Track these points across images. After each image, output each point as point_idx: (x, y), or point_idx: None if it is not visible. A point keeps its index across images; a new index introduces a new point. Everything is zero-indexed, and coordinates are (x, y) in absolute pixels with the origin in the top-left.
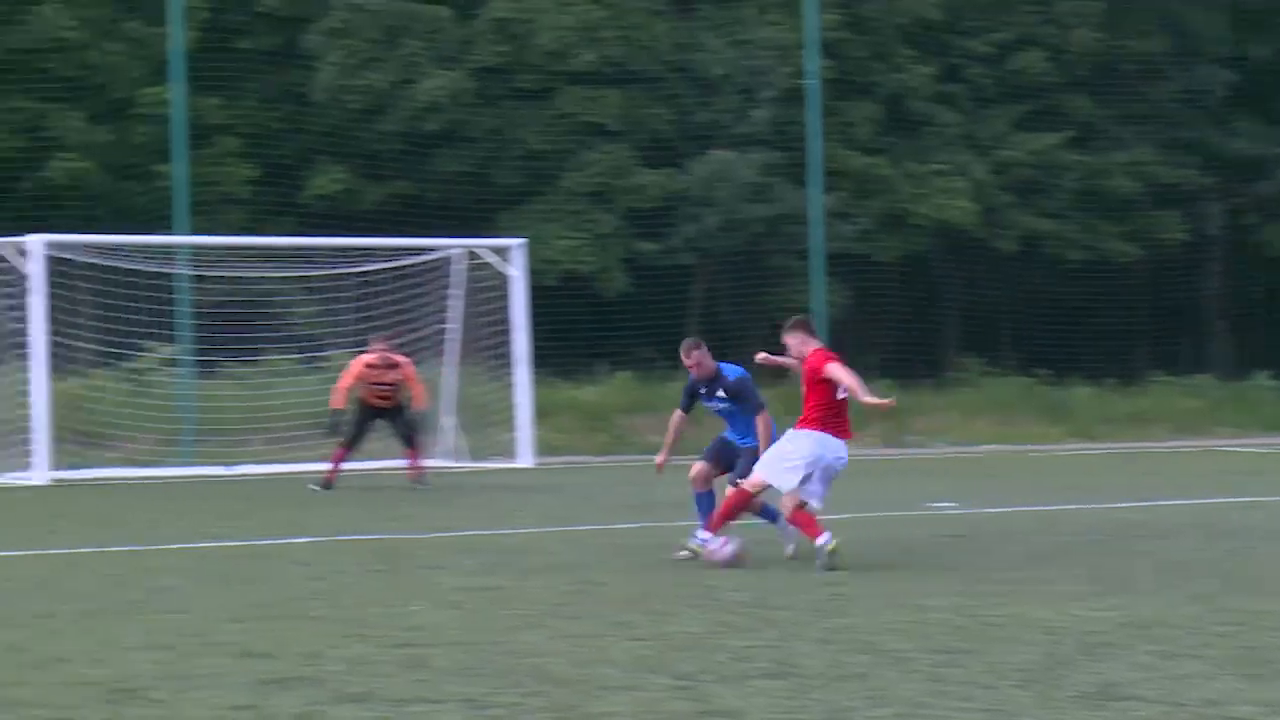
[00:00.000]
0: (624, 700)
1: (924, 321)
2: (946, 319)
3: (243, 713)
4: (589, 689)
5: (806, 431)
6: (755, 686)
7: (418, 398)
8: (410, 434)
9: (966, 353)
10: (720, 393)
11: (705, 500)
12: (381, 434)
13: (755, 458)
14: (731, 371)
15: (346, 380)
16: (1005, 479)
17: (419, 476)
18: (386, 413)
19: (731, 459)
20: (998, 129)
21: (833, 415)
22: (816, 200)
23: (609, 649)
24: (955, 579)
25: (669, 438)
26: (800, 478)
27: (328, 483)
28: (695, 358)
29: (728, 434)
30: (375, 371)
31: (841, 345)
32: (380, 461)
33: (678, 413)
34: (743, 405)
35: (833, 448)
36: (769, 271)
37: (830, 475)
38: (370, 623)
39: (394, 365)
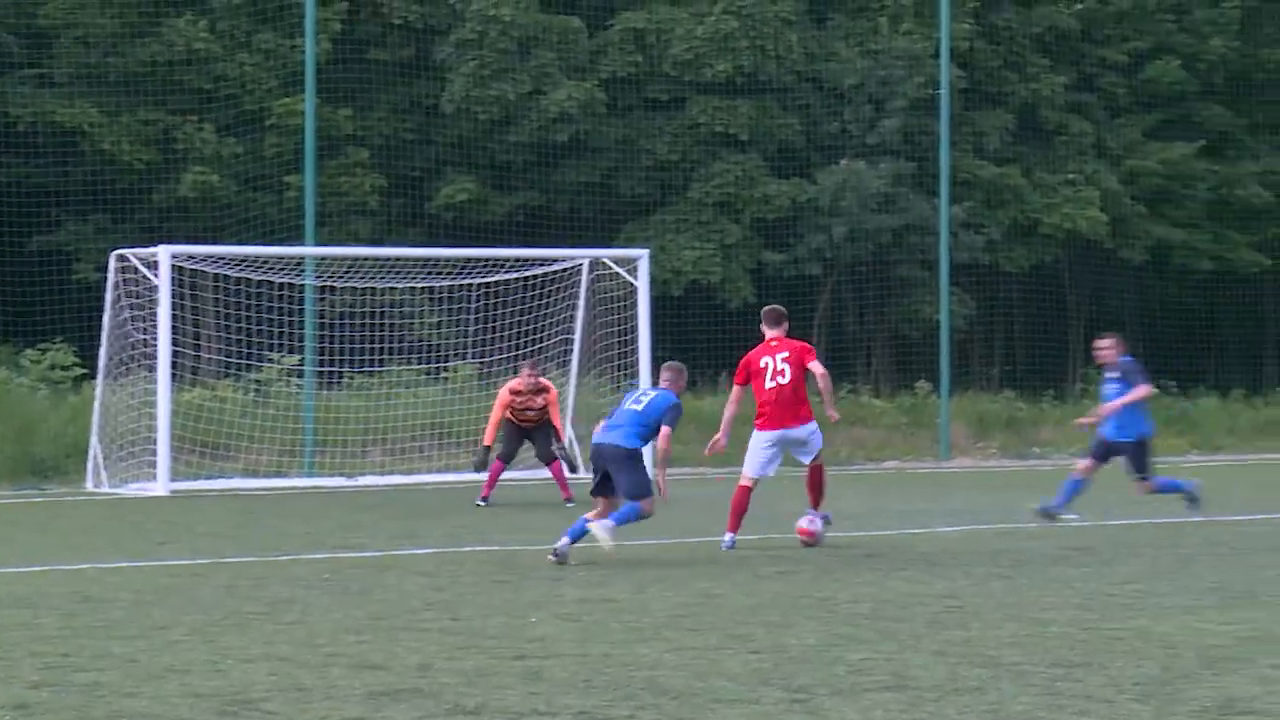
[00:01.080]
0: (738, 714)
1: (1049, 333)
2: (1072, 330)
3: None
4: (703, 702)
5: None
6: (871, 700)
7: (559, 430)
8: (552, 456)
9: (1091, 364)
10: None
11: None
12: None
13: None
14: None
15: (497, 415)
16: (1128, 492)
17: (569, 495)
18: (532, 433)
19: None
20: (1130, 138)
21: None
22: (944, 210)
23: (724, 661)
24: (1076, 592)
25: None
26: None
27: (485, 497)
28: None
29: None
30: (522, 398)
31: (966, 356)
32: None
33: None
34: None
35: None
36: (895, 282)
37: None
38: (488, 634)
39: (541, 390)
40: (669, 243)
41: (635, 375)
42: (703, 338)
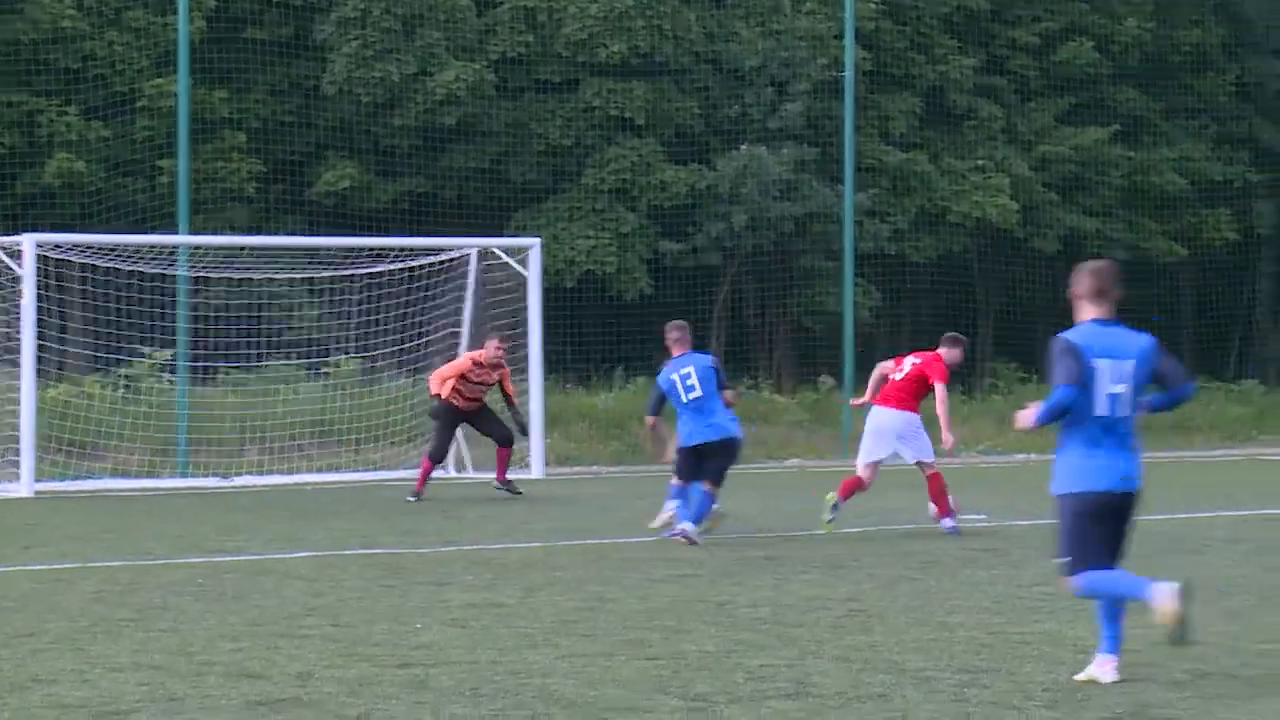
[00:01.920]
0: None
1: (958, 325)
2: (981, 323)
3: None
4: (597, 711)
5: None
6: (771, 708)
7: (513, 395)
8: (505, 434)
9: (1001, 358)
10: None
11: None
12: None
13: None
14: None
15: (451, 372)
16: (1040, 490)
17: (506, 482)
18: (471, 416)
19: None
20: (1041, 123)
21: None
22: (849, 198)
23: (619, 669)
24: (984, 594)
25: None
26: None
27: (418, 492)
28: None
29: None
30: (481, 370)
31: (871, 350)
32: (390, 472)
33: None
34: None
35: None
36: (797, 273)
37: None
38: (372, 641)
39: (499, 366)
40: (562, 231)
41: (525, 371)
42: (597, 331)
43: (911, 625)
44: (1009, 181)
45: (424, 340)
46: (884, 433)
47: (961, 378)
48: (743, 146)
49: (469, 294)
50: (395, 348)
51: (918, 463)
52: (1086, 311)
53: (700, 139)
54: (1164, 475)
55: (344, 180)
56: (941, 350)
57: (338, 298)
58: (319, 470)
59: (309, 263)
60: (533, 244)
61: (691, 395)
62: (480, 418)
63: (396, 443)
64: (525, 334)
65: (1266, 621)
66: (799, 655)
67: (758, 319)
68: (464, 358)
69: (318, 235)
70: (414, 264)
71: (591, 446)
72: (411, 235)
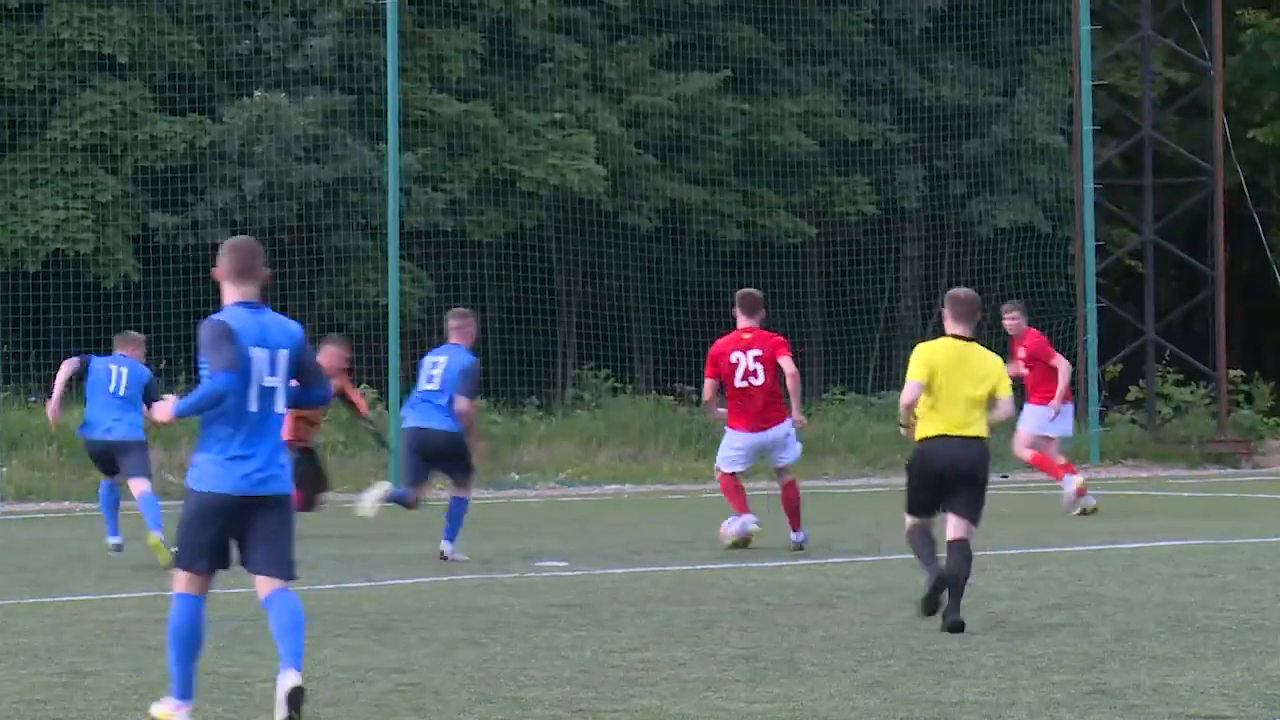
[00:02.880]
0: None
1: (532, 321)
2: (561, 319)
3: None
4: None
5: None
6: None
7: (361, 405)
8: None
9: (587, 363)
10: None
11: None
12: None
13: None
14: None
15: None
16: (634, 529)
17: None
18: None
19: None
20: (634, 67)
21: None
22: (393, 159)
23: None
24: (568, 662)
25: None
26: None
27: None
28: None
29: None
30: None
31: (420, 349)
32: None
33: None
34: None
35: None
36: (328, 254)
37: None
38: None
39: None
40: (21, 200)
41: None
42: (67, 327)
43: (476, 702)
44: (594, 140)
45: None
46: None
47: (537, 389)
48: (257, 93)
49: None
50: None
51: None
52: (231, 294)
53: (201, 82)
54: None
55: None
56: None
57: None
58: None
59: None
60: None
61: (428, 386)
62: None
63: None
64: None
65: (908, 694)
66: None
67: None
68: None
69: None
70: None
71: (61, 476)
72: None
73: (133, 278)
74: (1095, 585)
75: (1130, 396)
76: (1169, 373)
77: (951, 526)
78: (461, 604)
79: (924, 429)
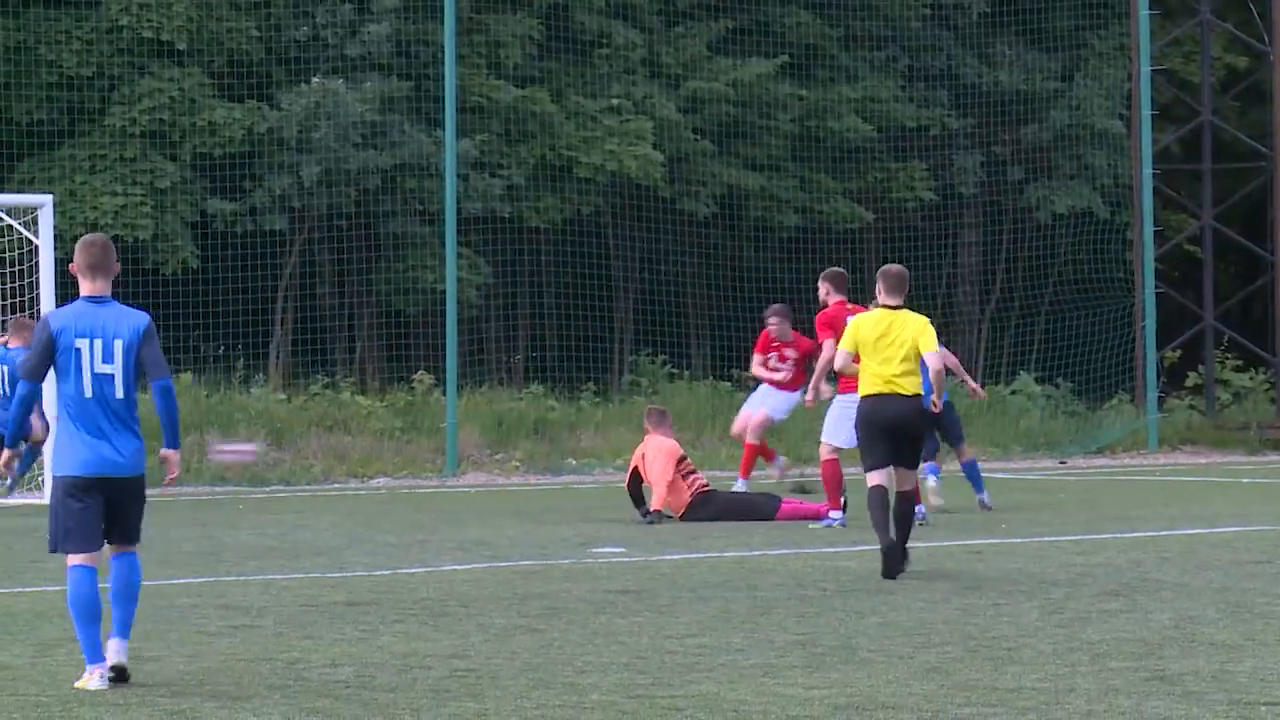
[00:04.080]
0: None
1: (589, 308)
2: (618, 305)
3: None
4: None
5: None
6: None
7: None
8: None
9: (644, 349)
10: None
11: None
12: None
13: None
14: None
15: None
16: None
17: None
18: None
19: None
20: (691, 52)
21: None
22: (450, 145)
23: None
24: (624, 648)
25: None
26: None
27: None
28: None
29: None
30: None
31: (480, 339)
32: None
33: None
34: None
35: None
36: (385, 240)
37: None
38: None
39: None
40: (80, 186)
41: None
42: None
43: (533, 688)
44: (652, 126)
45: None
46: None
47: (595, 375)
48: (314, 79)
49: None
50: None
51: None
52: (82, 288)
53: (260, 69)
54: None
55: None
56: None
57: None
58: None
59: None
60: (43, 202)
61: None
62: None
63: None
64: (37, 318)
65: (965, 680)
66: None
67: (335, 299)
68: None
69: None
70: None
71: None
72: None
73: (191, 264)
74: (1154, 571)
75: (1189, 383)
76: (1228, 358)
77: (899, 478)
78: (518, 590)
79: (864, 388)
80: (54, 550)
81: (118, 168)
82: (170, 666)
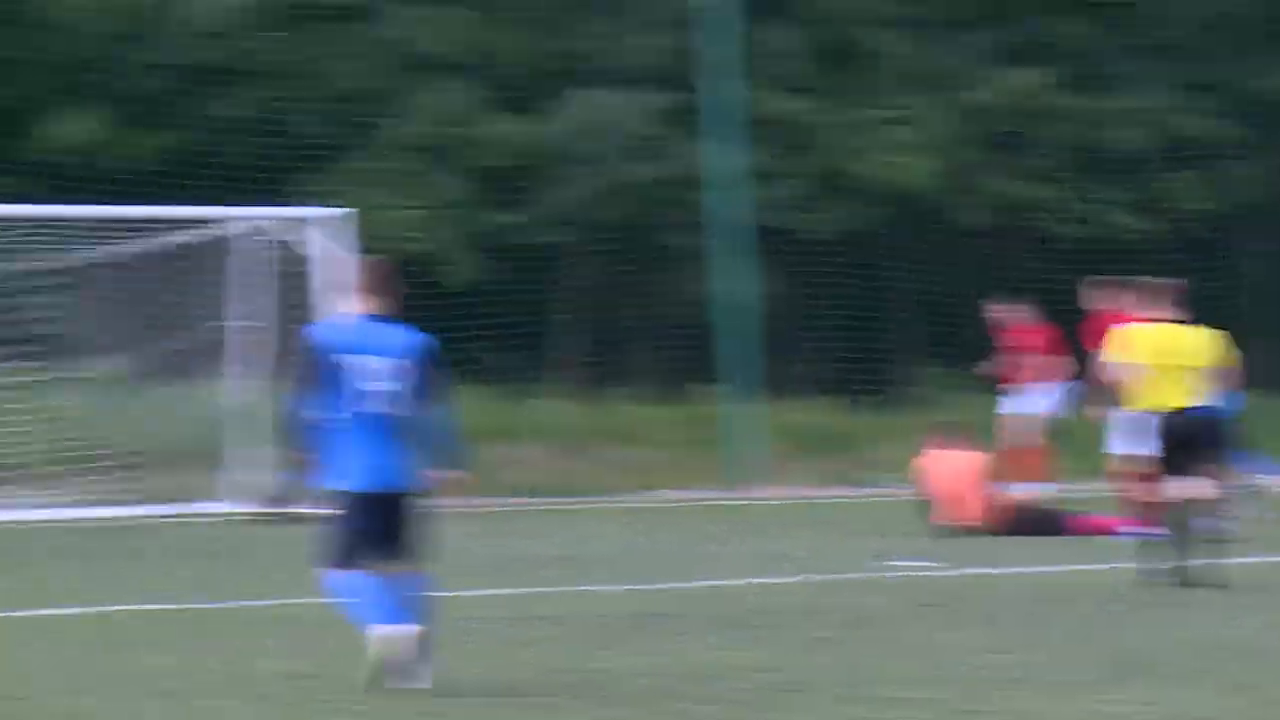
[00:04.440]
0: None
1: (872, 319)
2: (900, 316)
3: None
4: None
5: None
6: None
7: None
8: None
9: (930, 359)
10: None
11: None
12: None
13: None
14: None
15: None
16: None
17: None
18: None
19: None
20: (965, 63)
21: None
22: (724, 157)
23: None
24: (929, 663)
25: None
26: None
27: None
28: None
29: None
30: None
31: (765, 348)
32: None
33: None
34: None
35: None
36: (664, 253)
37: None
38: None
39: None
40: (360, 199)
41: None
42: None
43: (840, 703)
44: (925, 137)
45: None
46: None
47: (878, 385)
48: (590, 91)
49: (241, 280)
50: (165, 346)
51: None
52: (361, 305)
53: (536, 82)
54: None
55: (74, 134)
56: None
57: (76, 285)
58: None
59: (34, 240)
60: (319, 215)
61: None
62: None
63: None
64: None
65: None
66: None
67: (615, 313)
68: None
69: (36, 204)
70: (175, 240)
71: None
72: (169, 203)
73: (472, 278)
74: None
75: None
76: None
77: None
78: (818, 602)
79: (1157, 400)
80: (327, 566)
81: (397, 182)
82: (474, 678)
